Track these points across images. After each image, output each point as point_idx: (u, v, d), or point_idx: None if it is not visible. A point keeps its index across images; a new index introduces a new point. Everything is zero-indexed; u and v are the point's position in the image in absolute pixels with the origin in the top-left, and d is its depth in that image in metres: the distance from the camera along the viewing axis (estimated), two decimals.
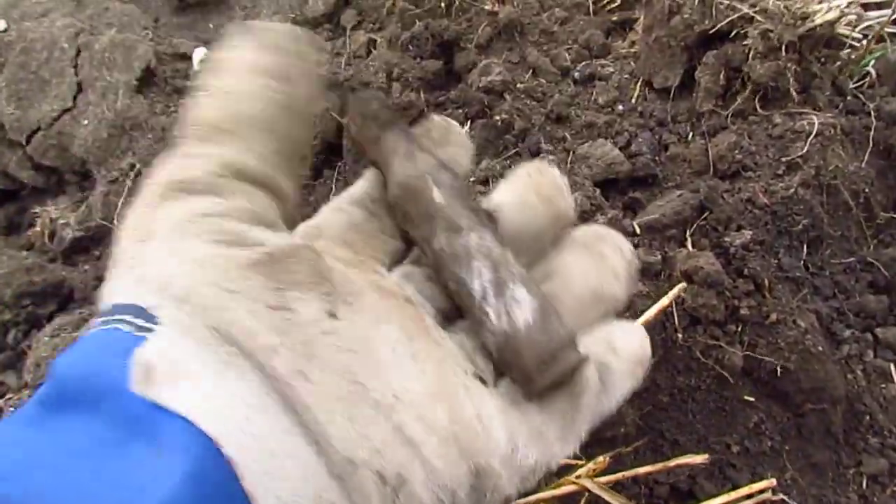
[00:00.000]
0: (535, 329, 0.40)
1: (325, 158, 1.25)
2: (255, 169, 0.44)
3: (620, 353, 0.46)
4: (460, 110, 1.24)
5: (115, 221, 1.36)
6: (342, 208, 0.51)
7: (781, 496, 1.03)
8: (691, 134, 1.18)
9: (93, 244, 1.43)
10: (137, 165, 1.40)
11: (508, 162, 1.15)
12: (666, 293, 0.97)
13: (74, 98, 1.50)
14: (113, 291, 0.40)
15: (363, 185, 0.51)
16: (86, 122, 1.49)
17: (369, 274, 0.46)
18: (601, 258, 0.47)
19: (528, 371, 0.40)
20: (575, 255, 0.48)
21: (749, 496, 0.98)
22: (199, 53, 1.50)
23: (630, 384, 0.46)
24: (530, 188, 0.50)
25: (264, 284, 0.39)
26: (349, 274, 0.44)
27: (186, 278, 0.38)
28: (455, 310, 0.46)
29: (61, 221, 1.46)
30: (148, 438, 0.33)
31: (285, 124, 0.45)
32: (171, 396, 0.34)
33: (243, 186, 0.43)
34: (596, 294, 0.46)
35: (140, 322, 0.37)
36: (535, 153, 1.16)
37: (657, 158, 1.18)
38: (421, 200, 0.44)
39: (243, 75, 0.44)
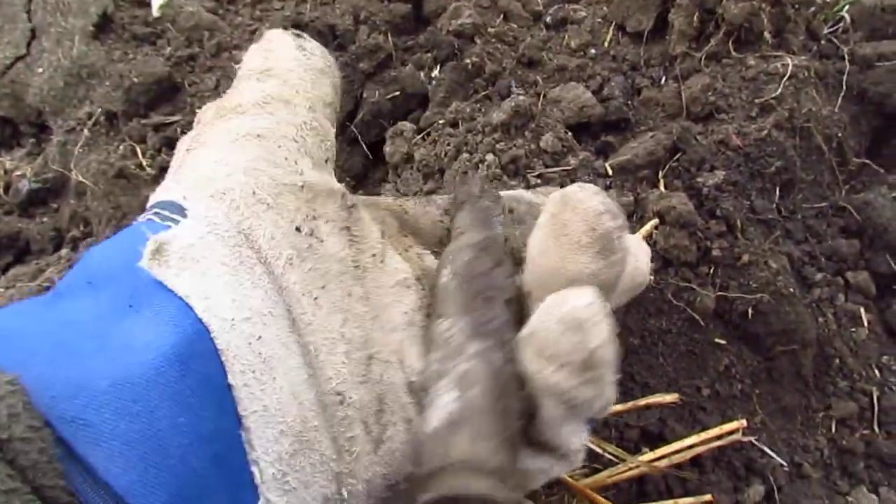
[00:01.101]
0: (435, 440, 0.34)
1: None
2: (301, 105, 0.45)
3: (564, 363, 0.39)
4: (429, 54, 1.20)
5: (72, 172, 1.31)
6: (433, 200, 0.53)
7: (751, 438, 1.03)
8: (664, 77, 1.16)
9: (50, 196, 1.39)
10: (95, 114, 1.35)
11: (479, 105, 1.12)
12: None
13: (28, 45, 1.44)
14: (158, 191, 0.41)
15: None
16: (41, 70, 1.43)
17: (413, 251, 0.47)
18: (563, 229, 0.41)
19: (407, 480, 0.36)
20: (540, 231, 0.43)
21: (719, 437, 0.97)
22: None
23: (594, 396, 0.40)
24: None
25: (297, 207, 0.39)
26: (383, 238, 0.45)
27: (225, 181, 0.39)
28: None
29: (17, 173, 1.41)
30: (145, 312, 0.33)
31: (323, 82, 0.48)
32: (177, 279, 0.34)
33: (293, 118, 0.44)
34: (559, 274, 0.41)
35: (171, 214, 0.37)
36: (506, 96, 1.13)
37: (630, 102, 1.16)
38: (437, 278, 0.43)
39: (285, 50, 0.48)
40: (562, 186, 1.04)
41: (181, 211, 0.37)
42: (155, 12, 1.46)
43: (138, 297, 0.33)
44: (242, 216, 0.37)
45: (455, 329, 0.39)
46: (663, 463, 0.95)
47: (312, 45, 0.51)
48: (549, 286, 0.41)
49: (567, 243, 0.41)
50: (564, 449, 0.40)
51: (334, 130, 0.48)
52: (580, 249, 0.40)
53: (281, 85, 0.45)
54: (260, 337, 0.34)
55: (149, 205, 0.41)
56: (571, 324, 0.37)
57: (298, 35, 0.50)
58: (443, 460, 0.33)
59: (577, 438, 0.41)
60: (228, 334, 0.33)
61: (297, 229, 0.39)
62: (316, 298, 0.37)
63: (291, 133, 0.43)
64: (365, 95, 1.14)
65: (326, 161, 0.46)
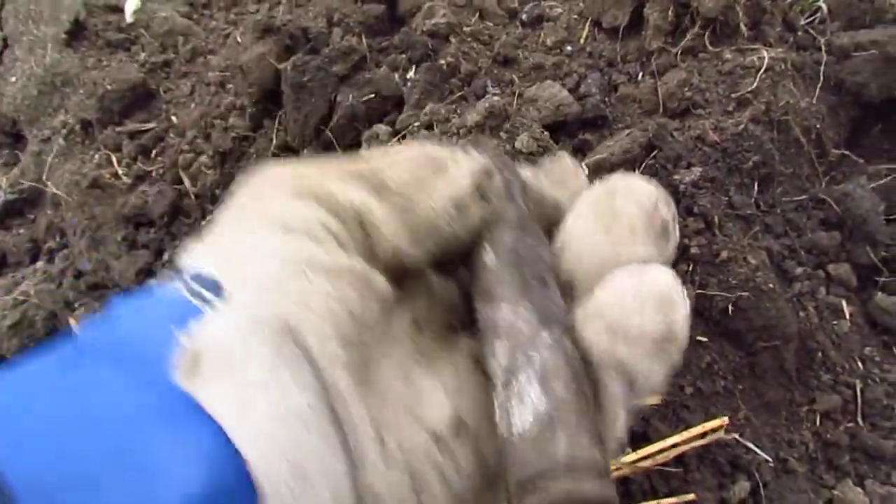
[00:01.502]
0: (529, 441, 0.32)
1: (263, 108, 1.19)
2: (387, 246, 0.40)
3: (634, 337, 0.37)
4: (404, 55, 1.19)
5: (47, 182, 1.29)
6: None
7: (734, 435, 1.03)
8: (641, 73, 1.15)
9: (27, 207, 1.37)
10: (70, 123, 1.34)
11: (454, 106, 1.11)
12: None
13: (0, 54, 1.43)
14: (198, 248, 0.37)
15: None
16: (14, 79, 1.42)
17: (440, 327, 0.44)
18: (613, 217, 0.40)
19: (510, 490, 0.33)
20: (585, 220, 0.41)
21: (702, 435, 0.97)
22: (131, 4, 1.42)
23: (657, 370, 0.38)
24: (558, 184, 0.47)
25: (353, 290, 0.36)
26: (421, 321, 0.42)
27: (275, 267, 0.35)
28: None
29: None
30: (175, 431, 0.30)
31: (424, 250, 0.42)
32: (213, 396, 0.31)
33: (364, 237, 0.39)
34: (611, 263, 0.39)
35: (207, 292, 0.34)
36: (482, 96, 1.12)
37: (607, 99, 1.15)
38: (476, 261, 0.41)
39: (446, 189, 0.41)
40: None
41: (219, 292, 0.34)
42: (128, 18, 1.45)
43: (169, 407, 0.31)
44: (291, 305, 0.34)
45: (520, 316, 0.37)
46: (647, 463, 0.95)
47: None
48: (600, 276, 0.39)
49: (620, 231, 0.39)
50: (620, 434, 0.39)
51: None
52: (635, 237, 0.39)
53: (388, 206, 0.41)
54: (303, 453, 0.32)
55: (186, 256, 0.37)
56: (652, 299, 0.36)
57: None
58: (543, 464, 0.31)
59: (624, 424, 0.40)
60: (267, 464, 0.31)
61: (352, 314, 0.36)
62: (365, 396, 0.35)
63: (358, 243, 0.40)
64: (339, 99, 1.13)
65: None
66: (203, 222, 1.16)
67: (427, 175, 0.41)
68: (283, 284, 0.34)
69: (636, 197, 0.39)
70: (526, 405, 0.33)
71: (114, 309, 0.34)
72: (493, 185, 0.43)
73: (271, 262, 0.35)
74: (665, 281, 0.37)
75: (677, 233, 0.41)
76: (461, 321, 0.46)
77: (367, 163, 0.41)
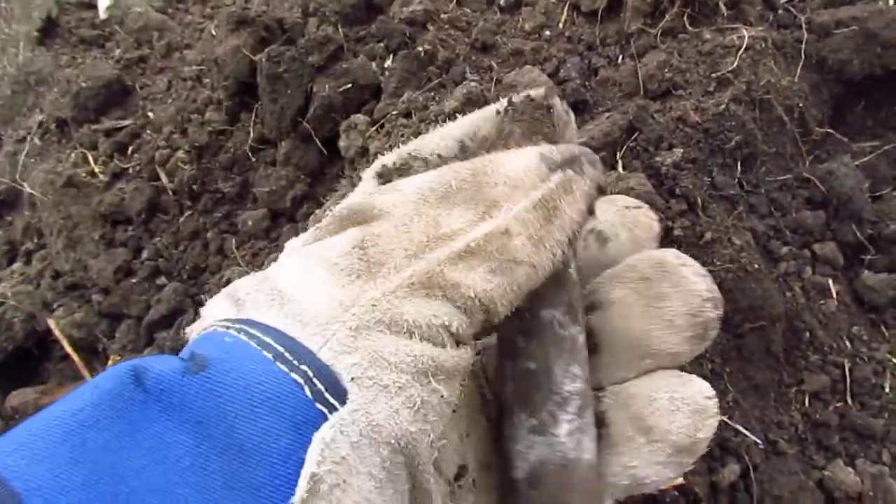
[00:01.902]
0: (593, 469, 0.38)
1: (239, 101, 1.18)
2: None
3: (656, 439, 0.39)
4: (381, 44, 1.17)
5: (23, 183, 1.28)
6: None
7: (723, 418, 1.02)
8: (621, 56, 1.14)
9: (4, 208, 1.35)
10: (45, 122, 1.32)
11: (433, 94, 1.10)
12: None
13: None
14: (311, 327, 0.34)
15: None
16: None
17: None
18: (656, 300, 0.39)
19: None
20: (627, 289, 0.40)
21: None
22: (104, 0, 1.40)
23: (670, 476, 0.39)
24: (625, 225, 0.45)
25: (461, 388, 0.35)
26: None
27: (403, 373, 0.33)
28: None
29: None
30: None
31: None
32: None
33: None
34: (638, 346, 0.39)
35: (325, 391, 0.31)
36: (461, 83, 1.11)
37: (587, 83, 1.13)
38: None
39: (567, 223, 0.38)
40: None
41: (340, 395, 0.31)
42: (102, 14, 1.43)
43: None
44: (411, 420, 0.32)
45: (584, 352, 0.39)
46: None
47: None
48: (624, 352, 0.39)
49: (659, 317, 0.38)
50: None
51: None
52: (673, 329, 0.38)
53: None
54: None
55: (296, 328, 0.34)
56: (687, 408, 0.37)
57: None
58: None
59: None
60: None
61: (454, 410, 0.35)
62: (444, 481, 0.36)
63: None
64: (315, 90, 1.11)
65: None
66: (181, 219, 1.15)
67: (544, 231, 0.37)
68: (410, 394, 0.33)
69: (687, 290, 0.38)
70: (591, 440, 0.38)
71: (209, 355, 0.31)
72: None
73: (402, 369, 0.33)
74: (704, 397, 0.38)
75: (716, 332, 0.40)
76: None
77: (492, 226, 0.37)
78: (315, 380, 0.31)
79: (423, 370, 0.33)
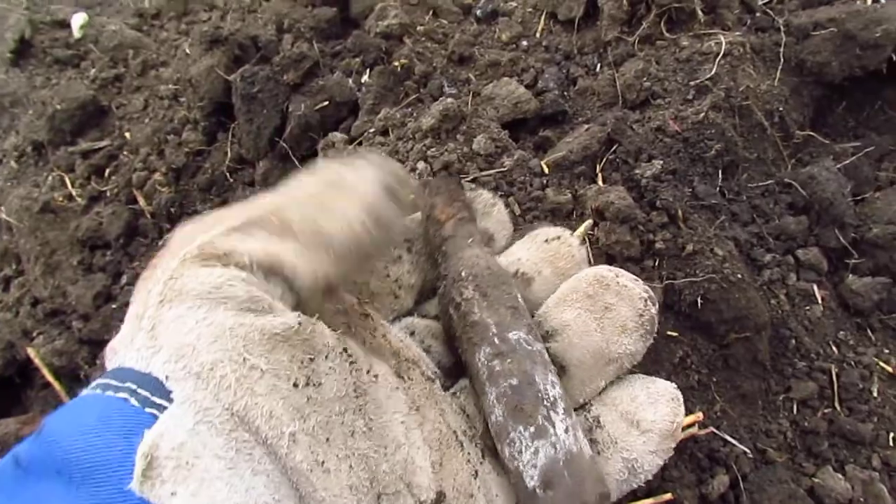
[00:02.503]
0: (593, 460, 0.39)
1: (216, 121, 1.16)
2: (301, 277, 0.40)
3: (646, 429, 0.43)
4: (357, 59, 1.16)
5: (0, 208, 1.26)
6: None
7: (711, 428, 1.01)
8: (599, 65, 1.13)
9: None
10: (21, 145, 1.30)
11: (410, 109, 1.09)
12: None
13: None
14: (125, 352, 0.36)
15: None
16: None
17: (378, 333, 0.45)
18: (605, 311, 0.44)
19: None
20: (576, 309, 0.44)
21: None
22: (78, 19, 1.38)
23: (659, 463, 0.43)
24: (547, 260, 0.49)
25: (292, 356, 0.36)
26: (365, 339, 0.43)
27: (209, 353, 0.34)
28: (455, 367, 0.45)
29: None
30: None
31: (353, 262, 0.43)
32: (176, 499, 0.30)
33: (277, 281, 0.40)
34: (601, 355, 0.44)
35: (151, 395, 0.33)
36: (438, 97, 1.09)
37: (566, 94, 1.12)
38: (507, 292, 0.44)
39: (354, 202, 0.41)
40: (498, 189, 1.01)
41: (165, 394, 0.33)
42: (76, 33, 1.41)
43: None
44: (235, 396, 0.34)
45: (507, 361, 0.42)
46: None
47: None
48: (589, 365, 0.44)
49: (612, 325, 0.43)
50: None
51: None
52: (626, 332, 0.44)
53: (291, 242, 0.41)
54: None
55: (115, 362, 0.36)
56: (663, 399, 0.42)
57: None
58: (601, 489, 0.38)
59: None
60: None
61: (295, 384, 0.36)
62: (323, 463, 0.35)
63: (275, 291, 0.40)
64: (291, 108, 1.10)
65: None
66: (160, 242, 1.13)
67: (327, 197, 0.41)
68: (223, 373, 0.34)
69: (629, 296, 0.43)
70: (582, 435, 0.39)
71: (50, 425, 0.33)
72: (403, 185, 0.44)
73: (207, 349, 0.35)
74: (673, 389, 0.44)
75: (656, 325, 0.46)
76: (437, 369, 0.46)
77: (268, 203, 0.40)
78: (140, 390, 0.33)
79: (232, 346, 0.34)
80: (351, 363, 0.39)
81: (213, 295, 0.36)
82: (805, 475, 1.01)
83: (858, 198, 1.12)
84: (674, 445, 0.43)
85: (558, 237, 0.49)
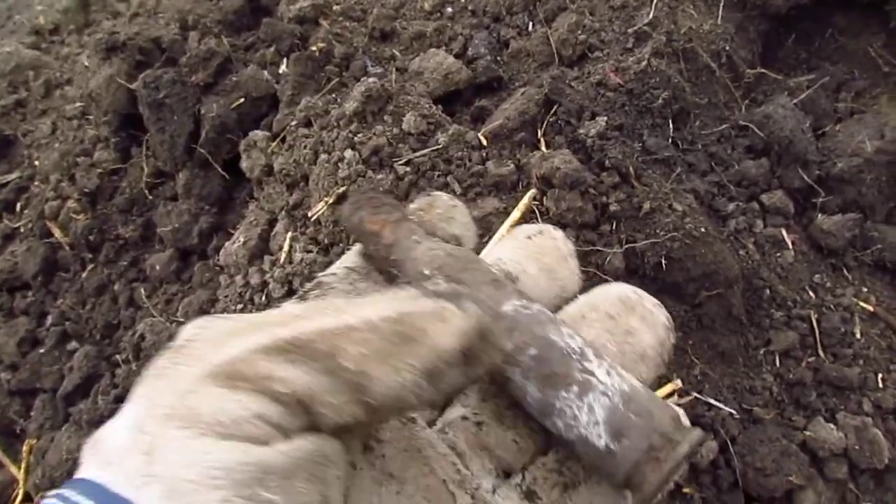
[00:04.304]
0: (649, 391, 0.35)
1: (127, 135, 1.07)
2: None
3: None
4: (271, 48, 1.07)
5: None
6: (328, 283, 0.44)
7: (694, 395, 0.95)
8: (530, 23, 1.05)
9: None
10: None
11: (334, 95, 1.00)
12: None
13: None
14: (115, 467, 0.29)
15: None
16: None
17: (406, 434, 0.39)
18: (626, 335, 0.40)
19: (655, 436, 0.34)
20: (596, 329, 0.41)
21: None
22: None
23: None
24: (531, 257, 0.45)
25: (313, 487, 0.31)
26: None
27: (219, 491, 0.29)
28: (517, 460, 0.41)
29: None
30: None
31: (386, 415, 0.37)
32: None
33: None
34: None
35: None
36: (361, 79, 1.01)
37: (498, 58, 1.05)
38: (481, 269, 0.41)
39: (418, 357, 0.34)
40: (434, 168, 0.93)
41: None
42: None
43: None
44: None
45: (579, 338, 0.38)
46: None
47: None
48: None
49: (632, 352, 0.41)
50: None
51: None
52: (644, 361, 0.40)
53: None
54: None
55: (100, 469, 0.29)
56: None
57: None
58: (672, 412, 0.34)
59: None
60: None
61: None
62: None
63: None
64: (204, 111, 1.01)
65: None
66: (83, 274, 1.04)
67: (390, 339, 0.33)
68: None
69: (654, 324, 0.40)
70: (625, 372, 0.36)
71: None
72: (490, 339, 0.38)
73: (208, 489, 0.29)
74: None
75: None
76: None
77: (319, 323, 0.32)
78: None
79: (243, 480, 0.29)
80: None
81: (228, 429, 0.31)
82: (796, 429, 0.96)
83: (819, 132, 1.06)
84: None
85: (540, 232, 0.44)
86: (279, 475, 0.29)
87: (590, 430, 0.35)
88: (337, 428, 0.33)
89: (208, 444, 0.29)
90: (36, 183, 1.13)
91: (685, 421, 0.35)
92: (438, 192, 0.46)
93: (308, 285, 0.42)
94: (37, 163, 1.15)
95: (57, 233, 1.05)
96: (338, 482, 0.32)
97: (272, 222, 0.97)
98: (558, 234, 0.44)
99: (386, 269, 0.44)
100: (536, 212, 0.87)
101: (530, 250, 0.45)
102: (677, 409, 0.35)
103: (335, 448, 0.32)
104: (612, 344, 0.40)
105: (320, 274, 0.44)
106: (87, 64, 1.10)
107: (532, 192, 0.82)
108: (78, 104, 1.17)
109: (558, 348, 0.37)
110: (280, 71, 1.06)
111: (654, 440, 0.34)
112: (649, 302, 0.40)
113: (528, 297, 0.39)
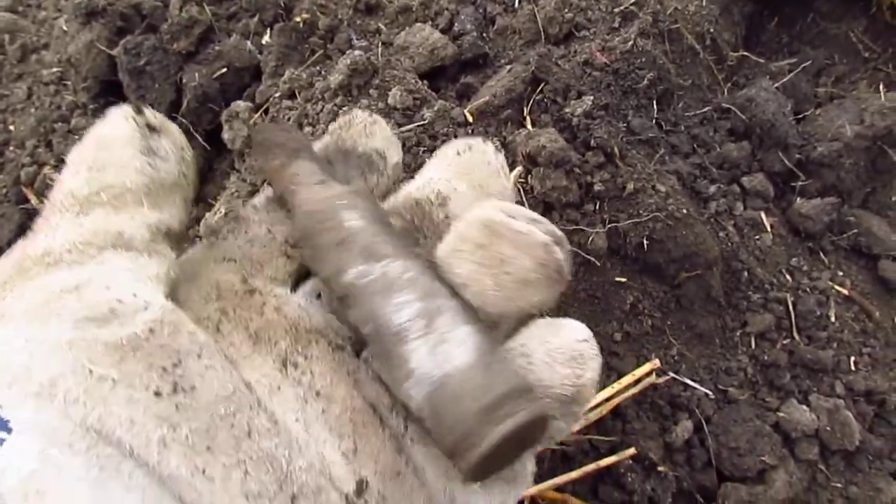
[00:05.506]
0: (475, 370, 0.32)
1: (105, 102, 1.05)
2: (137, 237, 0.37)
3: (543, 395, 0.36)
4: (255, 18, 1.05)
5: None
6: (246, 217, 0.43)
7: (671, 374, 0.96)
8: (517, 0, 1.05)
9: None
10: None
11: (318, 68, 0.99)
12: None
13: None
14: None
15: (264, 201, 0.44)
16: None
17: (268, 308, 0.39)
18: (501, 265, 0.36)
19: (466, 423, 0.32)
20: (469, 262, 0.37)
21: (634, 383, 0.90)
22: None
23: (566, 429, 0.37)
24: (461, 174, 0.41)
25: (149, 366, 0.32)
26: (248, 322, 0.38)
27: (47, 369, 0.30)
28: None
29: None
30: None
31: (171, 202, 0.39)
32: None
33: (119, 252, 0.35)
34: (504, 315, 0.36)
35: None
36: (346, 52, 1.00)
37: (484, 35, 1.04)
38: (331, 227, 0.37)
39: (122, 157, 0.37)
40: (419, 144, 0.93)
41: (3, 424, 0.29)
42: None
43: None
44: (86, 408, 0.30)
45: (413, 270, 0.35)
46: (581, 423, 0.88)
47: (166, 143, 0.39)
48: (495, 325, 0.37)
49: (511, 282, 0.36)
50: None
51: (174, 257, 0.39)
52: (530, 285, 0.36)
53: (109, 215, 0.35)
54: None
55: None
56: (565, 357, 0.35)
57: (150, 129, 0.39)
58: (502, 388, 0.31)
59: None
60: None
61: (157, 394, 0.31)
62: (204, 471, 0.30)
63: (123, 264, 0.35)
64: (186, 80, 0.99)
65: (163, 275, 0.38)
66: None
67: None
68: (67, 387, 0.30)
69: (527, 245, 0.35)
70: (461, 341, 0.32)
71: None
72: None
73: (45, 366, 0.30)
74: (577, 342, 0.36)
75: (570, 265, 0.37)
76: (352, 333, 0.40)
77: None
78: None
79: (73, 358, 0.31)
80: (227, 358, 0.35)
81: (42, 310, 0.32)
82: (769, 410, 0.97)
83: (800, 116, 1.07)
84: (584, 408, 0.36)
85: (470, 147, 0.41)
86: (112, 358, 0.31)
87: (420, 415, 0.34)
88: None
89: (33, 329, 0.32)
90: (11, 148, 1.11)
91: (527, 391, 0.33)
92: (357, 109, 0.44)
93: (226, 219, 0.42)
94: (12, 128, 1.12)
95: (33, 199, 1.03)
96: (207, 371, 0.33)
97: (253, 194, 0.96)
98: (489, 147, 0.42)
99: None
100: (521, 189, 0.87)
101: (460, 167, 0.42)
102: (520, 378, 0.33)
103: (191, 330, 0.34)
104: (487, 277, 0.37)
105: (240, 208, 0.43)
106: (65, 28, 1.08)
107: (518, 169, 0.82)
108: (55, 69, 1.14)
109: (389, 326, 0.34)
110: (263, 42, 1.04)
111: (457, 433, 0.33)
112: (519, 221, 0.36)
113: (381, 246, 0.37)
